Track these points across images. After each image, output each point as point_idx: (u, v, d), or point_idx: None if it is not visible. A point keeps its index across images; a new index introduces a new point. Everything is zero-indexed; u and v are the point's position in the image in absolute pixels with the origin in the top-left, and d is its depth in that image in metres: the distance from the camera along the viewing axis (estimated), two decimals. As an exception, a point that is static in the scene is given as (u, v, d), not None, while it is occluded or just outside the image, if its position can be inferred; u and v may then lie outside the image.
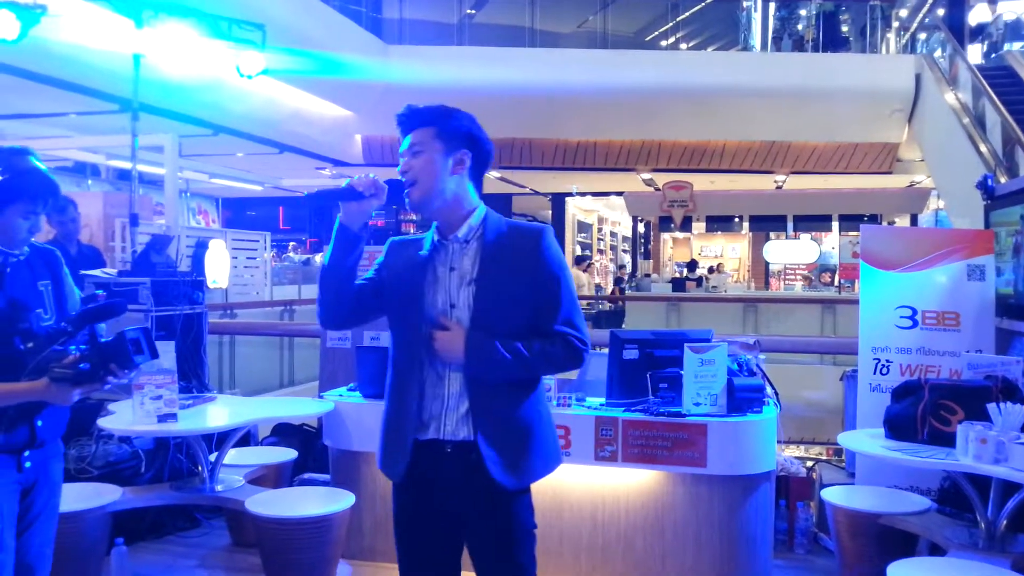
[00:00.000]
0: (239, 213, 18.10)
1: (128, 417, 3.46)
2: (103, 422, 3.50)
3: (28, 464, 2.21)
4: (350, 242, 2.00)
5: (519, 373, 1.98)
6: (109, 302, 2.18)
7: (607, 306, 13.79)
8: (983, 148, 7.83)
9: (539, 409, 2.07)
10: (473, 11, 12.47)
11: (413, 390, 2.00)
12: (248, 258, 8.79)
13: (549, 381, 3.49)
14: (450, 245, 2.03)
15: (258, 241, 9.03)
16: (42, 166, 2.20)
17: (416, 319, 2.00)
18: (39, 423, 2.18)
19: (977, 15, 13.35)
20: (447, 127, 2.02)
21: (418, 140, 2.00)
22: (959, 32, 12.18)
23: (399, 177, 2.00)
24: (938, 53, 10.56)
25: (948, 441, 3.12)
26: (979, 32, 13.17)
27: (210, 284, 5.12)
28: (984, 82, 8.68)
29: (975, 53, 13.03)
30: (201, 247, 4.94)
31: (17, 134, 8.88)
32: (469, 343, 1.93)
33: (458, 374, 1.98)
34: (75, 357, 2.01)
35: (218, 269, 5.45)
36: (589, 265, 15.62)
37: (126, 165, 6.90)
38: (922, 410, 3.27)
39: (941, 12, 12.85)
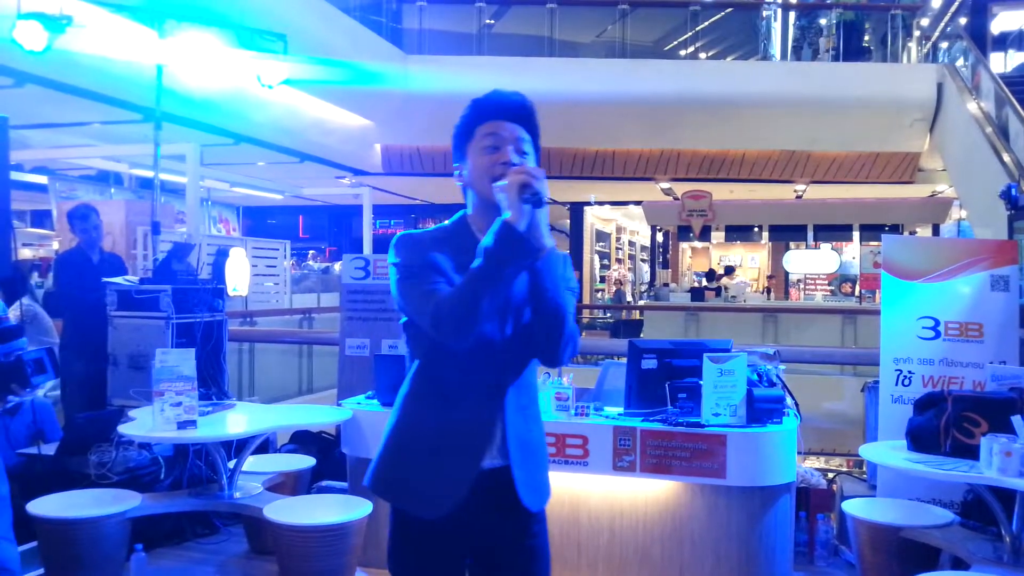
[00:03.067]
0: (259, 221, 18.22)
1: (148, 424, 3.49)
2: (123, 428, 3.54)
3: None
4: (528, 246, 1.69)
5: (557, 302, 1.75)
6: (2, 327, 2.34)
7: (624, 315, 13.75)
8: (1006, 158, 7.73)
9: (542, 427, 1.95)
10: (492, 21, 12.50)
11: (475, 410, 1.78)
12: (268, 266, 8.85)
13: (567, 390, 3.48)
14: None
15: (278, 249, 9.08)
16: None
17: (496, 327, 1.76)
18: None
19: (1000, 24, 13.25)
20: (537, 140, 1.89)
21: (525, 139, 1.85)
22: (981, 41, 12.07)
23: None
24: (960, 62, 10.44)
25: (972, 454, 3.08)
26: (1002, 41, 13.06)
27: (230, 292, 5.15)
28: (1007, 91, 8.59)
29: (998, 62, 12.90)
30: (222, 255, 4.98)
31: (42, 143, 9.00)
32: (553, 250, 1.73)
33: (493, 399, 1.78)
34: None
35: (238, 277, 5.48)
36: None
37: (148, 174, 6.97)
38: (945, 422, 3.24)
39: (963, 21, 12.76)
